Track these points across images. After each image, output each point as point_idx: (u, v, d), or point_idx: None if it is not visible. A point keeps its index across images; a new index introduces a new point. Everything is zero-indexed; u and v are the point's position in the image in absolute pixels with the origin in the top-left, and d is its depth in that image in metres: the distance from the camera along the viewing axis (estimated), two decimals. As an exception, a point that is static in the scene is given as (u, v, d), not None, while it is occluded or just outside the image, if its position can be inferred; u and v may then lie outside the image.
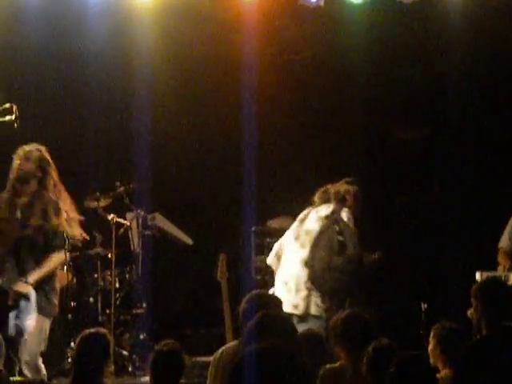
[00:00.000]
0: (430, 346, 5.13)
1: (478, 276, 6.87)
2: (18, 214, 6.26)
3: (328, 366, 4.87)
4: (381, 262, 8.12)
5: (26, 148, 6.34)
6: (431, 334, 5.19)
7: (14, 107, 6.61)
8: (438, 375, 4.85)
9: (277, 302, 5.34)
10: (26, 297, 6.15)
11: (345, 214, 6.77)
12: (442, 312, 6.94)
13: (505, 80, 8.91)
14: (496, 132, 9.02)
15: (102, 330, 4.90)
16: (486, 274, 6.81)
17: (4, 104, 6.65)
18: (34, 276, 6.16)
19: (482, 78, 8.93)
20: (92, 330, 4.84)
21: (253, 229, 8.79)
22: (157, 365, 4.60)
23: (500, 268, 7.03)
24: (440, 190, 9.38)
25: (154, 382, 4.62)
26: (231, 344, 5.16)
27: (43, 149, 6.40)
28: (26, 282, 6.15)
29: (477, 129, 9.06)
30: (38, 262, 6.20)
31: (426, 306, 7.32)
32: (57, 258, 6.29)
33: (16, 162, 6.29)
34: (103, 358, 4.70)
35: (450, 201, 9.01)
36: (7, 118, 6.61)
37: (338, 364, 4.90)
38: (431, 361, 5.03)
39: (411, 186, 9.44)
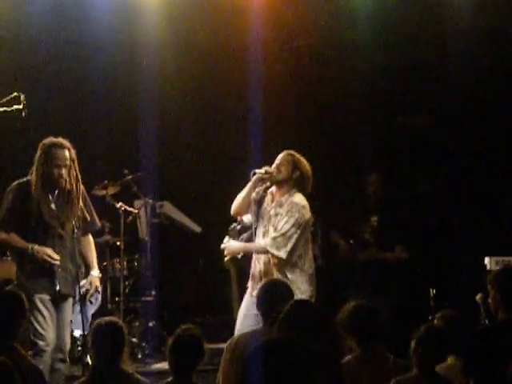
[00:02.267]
0: None
1: (486, 261, 6.87)
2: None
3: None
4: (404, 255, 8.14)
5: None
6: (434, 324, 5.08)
7: (22, 96, 6.64)
8: (443, 364, 4.86)
9: (289, 291, 5.35)
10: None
11: None
12: (451, 297, 6.96)
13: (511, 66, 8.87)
14: (502, 118, 8.99)
15: (114, 318, 4.92)
16: (494, 260, 6.81)
17: (12, 93, 6.68)
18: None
19: (488, 64, 8.89)
20: (105, 319, 4.84)
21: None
22: (176, 348, 4.61)
23: None
24: (447, 176, 9.36)
25: (172, 365, 4.64)
26: (247, 331, 5.18)
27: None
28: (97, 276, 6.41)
29: (482, 115, 9.03)
30: None
31: (434, 291, 7.32)
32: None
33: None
34: (120, 345, 4.72)
35: (458, 187, 9.00)
36: (15, 107, 6.64)
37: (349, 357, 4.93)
38: None
39: (418, 173, 9.42)
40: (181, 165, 9.49)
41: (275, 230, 6.35)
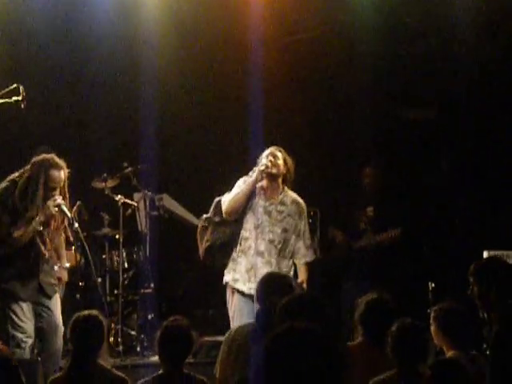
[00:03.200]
0: (432, 328, 4.98)
1: (485, 255, 6.86)
2: None
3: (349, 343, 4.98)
4: (398, 238, 8.13)
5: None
6: (431, 317, 5.03)
7: (21, 88, 6.64)
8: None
9: (290, 282, 5.35)
10: None
11: None
12: (450, 291, 6.95)
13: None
14: (504, 111, 8.97)
15: (94, 312, 4.87)
16: (493, 254, 6.80)
17: (11, 85, 6.67)
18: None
19: (490, 56, 8.86)
20: (85, 313, 4.83)
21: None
22: (165, 340, 4.60)
23: None
24: (448, 169, 9.35)
25: (162, 357, 4.63)
26: (245, 323, 5.19)
27: None
28: (65, 268, 6.41)
29: (484, 108, 9.01)
30: None
31: (433, 285, 7.31)
32: None
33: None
34: (100, 340, 4.72)
35: (459, 180, 8.99)
36: (14, 98, 6.64)
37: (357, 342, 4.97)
38: (435, 342, 4.99)
39: (419, 166, 9.41)
40: (180, 158, 9.48)
41: (301, 236, 6.57)
